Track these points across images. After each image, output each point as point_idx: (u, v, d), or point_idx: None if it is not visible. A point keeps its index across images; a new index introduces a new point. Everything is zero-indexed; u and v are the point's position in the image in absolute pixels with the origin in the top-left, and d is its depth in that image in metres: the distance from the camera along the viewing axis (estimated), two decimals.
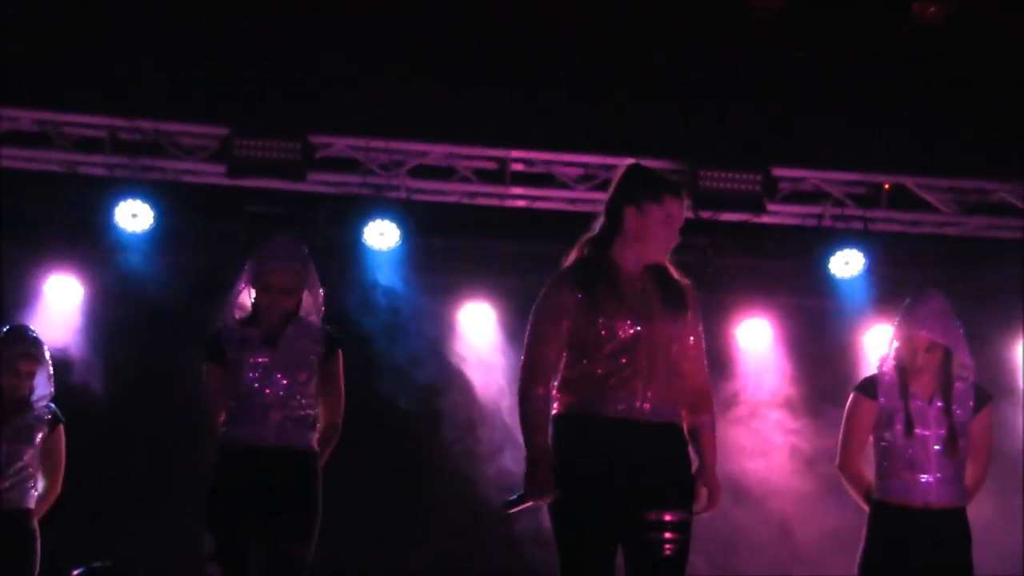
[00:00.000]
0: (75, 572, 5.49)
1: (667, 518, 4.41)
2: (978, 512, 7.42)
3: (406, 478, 8.88)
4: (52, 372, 6.26)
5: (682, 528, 4.44)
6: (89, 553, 5.55)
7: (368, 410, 7.94)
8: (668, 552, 4.41)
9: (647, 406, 4.43)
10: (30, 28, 8.18)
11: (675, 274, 4.68)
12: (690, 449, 4.62)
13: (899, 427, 5.56)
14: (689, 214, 7.95)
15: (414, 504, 8.86)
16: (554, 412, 4.51)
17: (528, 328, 4.55)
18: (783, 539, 8.66)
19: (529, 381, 4.48)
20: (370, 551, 8.68)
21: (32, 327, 6.33)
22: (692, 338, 4.66)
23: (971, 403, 5.65)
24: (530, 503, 4.47)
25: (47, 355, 6.24)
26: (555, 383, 4.53)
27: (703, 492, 4.54)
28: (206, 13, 8.46)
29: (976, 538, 6.05)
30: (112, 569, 5.52)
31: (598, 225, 4.66)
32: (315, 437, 5.63)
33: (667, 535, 4.40)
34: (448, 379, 9.09)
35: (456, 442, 8.93)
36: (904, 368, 5.64)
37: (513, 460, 8.40)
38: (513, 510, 4.55)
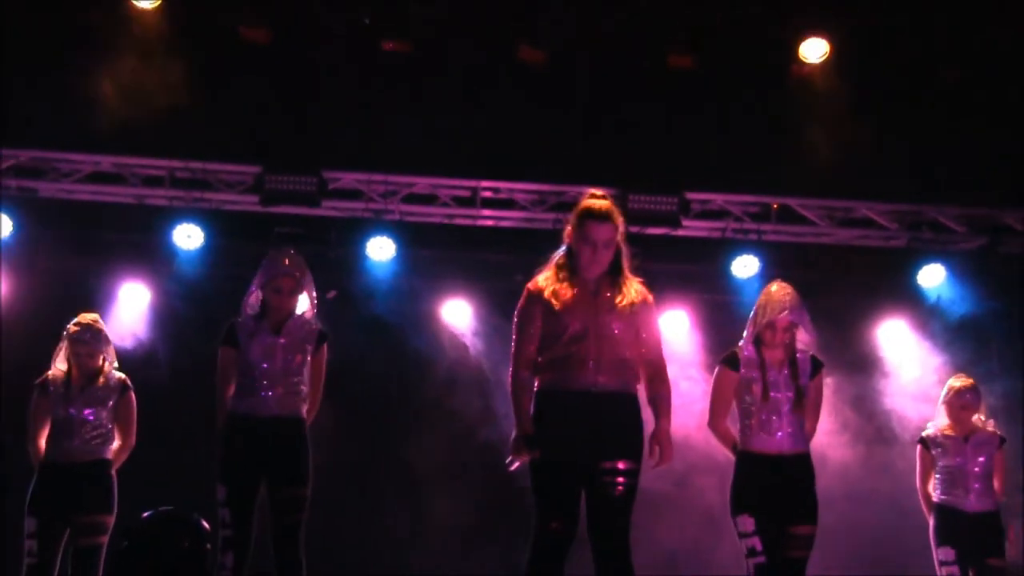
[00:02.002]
0: (144, 515, 5.16)
1: (620, 466, 4.61)
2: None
3: (395, 426, 8.95)
4: (114, 352, 6.30)
5: (630, 474, 4.63)
6: (155, 500, 5.35)
7: (369, 377, 8.51)
8: (619, 491, 4.61)
9: (600, 379, 4.63)
10: (114, 87, 8.24)
11: (626, 279, 4.82)
12: (644, 413, 4.73)
13: (757, 392, 5.71)
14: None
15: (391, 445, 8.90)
16: (535, 388, 4.73)
17: (513, 327, 4.78)
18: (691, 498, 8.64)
19: (517, 366, 4.74)
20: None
21: (98, 319, 6.32)
22: (643, 327, 4.79)
23: (808, 370, 5.77)
24: (520, 459, 4.66)
25: (107, 338, 6.26)
26: (537, 363, 4.72)
27: (655, 449, 4.68)
28: (244, 81, 8.48)
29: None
30: (173, 513, 5.20)
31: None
32: (304, 407, 5.68)
33: (619, 479, 4.60)
34: (433, 356, 9.12)
35: (439, 398, 9.00)
36: (761, 345, 5.78)
37: (479, 409, 8.79)
38: (513, 467, 4.71)
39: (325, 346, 5.77)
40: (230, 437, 5.56)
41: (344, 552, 8.30)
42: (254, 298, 5.73)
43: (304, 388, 5.69)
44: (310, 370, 5.71)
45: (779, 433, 5.70)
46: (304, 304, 5.80)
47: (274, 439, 5.54)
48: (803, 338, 5.81)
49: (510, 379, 4.77)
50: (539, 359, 4.75)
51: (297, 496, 5.54)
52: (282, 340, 5.64)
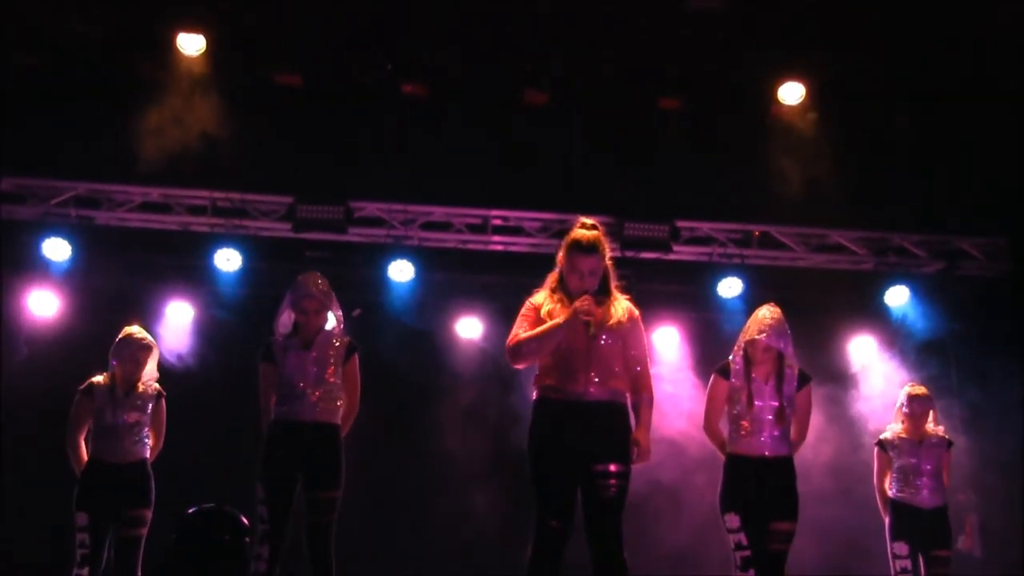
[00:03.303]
0: (189, 510, 5.25)
1: (611, 469, 4.62)
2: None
3: (417, 430, 8.91)
4: (158, 360, 6.32)
5: (621, 476, 4.64)
6: (196, 496, 5.52)
7: (394, 385, 8.45)
8: (612, 492, 4.62)
9: (591, 389, 4.67)
10: (163, 127, 8.23)
11: (614, 299, 4.86)
12: (631, 420, 4.76)
13: (744, 400, 5.73)
14: (617, 254, 8.34)
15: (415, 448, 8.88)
16: (533, 397, 4.77)
17: (514, 322, 4.82)
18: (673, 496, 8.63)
19: (512, 338, 4.76)
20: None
21: (143, 330, 6.31)
22: (631, 340, 4.81)
23: (795, 383, 5.79)
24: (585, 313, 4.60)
25: (155, 349, 6.30)
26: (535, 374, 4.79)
27: (634, 449, 4.72)
28: (278, 121, 8.49)
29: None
30: (216, 509, 5.29)
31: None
32: (339, 414, 5.68)
33: (611, 481, 4.61)
34: (448, 364, 9.14)
35: (453, 396, 9.03)
36: (748, 359, 5.82)
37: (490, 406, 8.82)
38: (590, 328, 4.61)
39: (356, 357, 5.77)
40: (271, 441, 5.58)
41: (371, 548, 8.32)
42: (285, 317, 5.74)
43: (338, 396, 5.70)
44: (343, 380, 5.72)
45: (763, 438, 5.70)
46: (331, 321, 5.80)
47: (310, 444, 5.55)
48: (789, 355, 5.80)
49: (510, 346, 4.73)
50: (540, 366, 4.76)
51: (330, 498, 5.52)
52: (313, 354, 5.66)
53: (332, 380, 5.66)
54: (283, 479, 5.50)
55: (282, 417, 5.58)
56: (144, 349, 6.24)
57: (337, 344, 5.73)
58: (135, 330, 6.31)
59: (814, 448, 7.96)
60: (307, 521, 5.50)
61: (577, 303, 4.67)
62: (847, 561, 8.39)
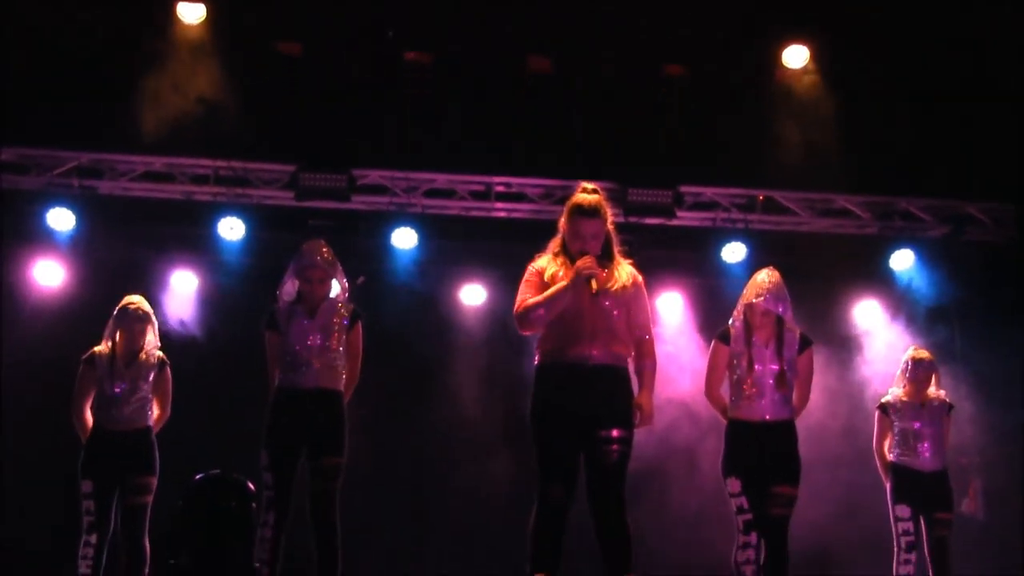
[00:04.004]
0: (196, 477, 5.20)
1: (614, 434, 4.59)
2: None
3: (421, 398, 8.95)
4: (158, 331, 6.31)
5: (624, 441, 4.61)
6: (203, 464, 5.44)
7: (396, 352, 8.46)
8: (615, 458, 4.60)
9: (594, 353, 4.64)
10: (165, 96, 8.22)
11: (617, 263, 4.82)
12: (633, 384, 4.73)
13: (744, 365, 5.71)
14: (621, 220, 8.31)
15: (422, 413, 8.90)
16: (535, 362, 4.76)
17: (518, 290, 4.79)
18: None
19: (519, 305, 4.73)
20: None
21: (142, 300, 6.30)
22: (634, 305, 4.76)
23: (796, 347, 5.73)
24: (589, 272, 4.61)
25: (154, 318, 6.30)
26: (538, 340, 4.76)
27: (637, 413, 4.69)
28: (280, 89, 8.45)
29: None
30: (222, 475, 5.22)
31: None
32: (342, 381, 5.67)
33: (614, 447, 4.58)
34: (451, 330, 9.17)
35: (460, 364, 9.06)
36: (748, 324, 5.78)
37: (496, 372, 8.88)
38: (593, 284, 4.61)
39: (359, 324, 5.76)
40: (275, 409, 5.59)
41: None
42: (289, 286, 5.74)
43: (341, 363, 5.69)
44: (346, 347, 5.71)
45: (764, 402, 5.68)
46: (336, 289, 5.79)
47: (314, 411, 5.55)
48: (788, 319, 5.76)
49: (518, 312, 4.71)
50: (543, 332, 4.73)
51: (334, 464, 5.53)
52: (318, 322, 5.64)
53: (336, 348, 5.65)
54: (287, 446, 5.50)
55: (286, 385, 5.57)
56: (139, 320, 6.22)
57: (342, 311, 5.72)
58: (132, 300, 6.31)
59: (818, 413, 7.97)
60: (311, 488, 5.51)
61: (579, 263, 4.65)
62: (848, 524, 8.40)
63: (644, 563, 4.69)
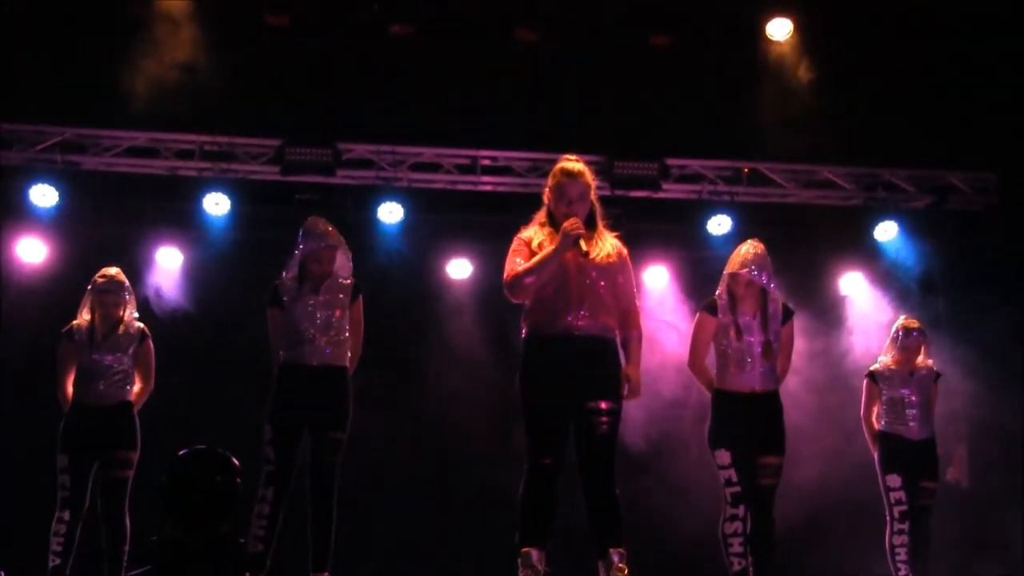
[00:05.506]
0: (181, 452, 5.55)
1: (603, 406, 4.55)
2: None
3: (410, 372, 8.87)
4: (135, 304, 6.22)
5: (612, 413, 4.57)
6: (188, 439, 5.62)
7: (382, 326, 8.31)
8: (604, 429, 4.56)
9: (580, 323, 4.58)
10: (149, 70, 8.10)
11: (601, 234, 4.76)
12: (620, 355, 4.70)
13: (732, 335, 5.68)
14: (607, 192, 8.29)
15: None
16: (523, 334, 4.71)
17: (505, 260, 4.72)
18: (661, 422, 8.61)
19: (510, 272, 4.66)
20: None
21: (116, 273, 6.19)
22: (620, 276, 4.72)
23: (780, 317, 5.71)
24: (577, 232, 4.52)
25: (129, 290, 6.19)
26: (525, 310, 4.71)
27: (625, 386, 4.66)
28: (265, 63, 8.35)
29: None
30: (207, 450, 5.53)
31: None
32: (347, 356, 5.64)
33: (603, 419, 4.55)
34: (438, 303, 9.08)
35: (445, 336, 8.98)
36: (732, 294, 5.74)
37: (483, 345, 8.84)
38: (582, 244, 4.54)
39: (360, 298, 5.75)
40: (279, 384, 5.54)
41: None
42: (295, 263, 5.71)
43: (346, 338, 5.65)
44: (350, 321, 5.68)
45: (751, 373, 5.64)
46: (339, 262, 5.77)
47: (319, 386, 5.53)
48: (772, 289, 5.72)
49: (508, 280, 4.65)
50: (529, 302, 4.68)
51: (336, 438, 5.51)
52: (322, 298, 5.61)
53: (340, 323, 5.62)
54: (291, 422, 5.46)
55: (291, 360, 5.53)
56: (114, 291, 6.11)
57: (345, 285, 5.69)
58: (108, 271, 6.20)
59: (800, 382, 7.95)
60: (313, 462, 5.47)
61: (566, 224, 4.58)
62: (833, 493, 8.38)
63: (631, 536, 4.58)
